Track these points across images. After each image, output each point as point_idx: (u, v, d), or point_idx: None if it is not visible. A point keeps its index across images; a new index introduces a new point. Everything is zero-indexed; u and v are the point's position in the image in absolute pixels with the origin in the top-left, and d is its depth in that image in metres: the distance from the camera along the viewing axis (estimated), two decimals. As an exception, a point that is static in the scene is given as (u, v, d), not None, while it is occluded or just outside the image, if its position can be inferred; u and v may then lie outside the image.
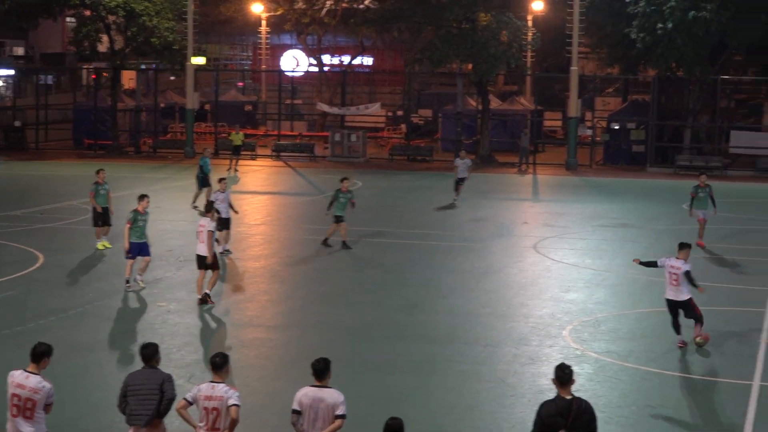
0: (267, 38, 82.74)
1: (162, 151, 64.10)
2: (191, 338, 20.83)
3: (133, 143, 66.23)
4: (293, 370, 18.61)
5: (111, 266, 27.91)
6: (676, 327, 20.34)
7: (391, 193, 46.54)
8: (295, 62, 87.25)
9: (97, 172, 31.62)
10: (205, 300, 23.58)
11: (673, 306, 20.21)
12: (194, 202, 38.51)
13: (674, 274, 20.02)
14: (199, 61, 66.35)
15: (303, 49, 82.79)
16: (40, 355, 12.36)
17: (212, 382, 12.11)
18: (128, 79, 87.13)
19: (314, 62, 79.26)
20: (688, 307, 20.11)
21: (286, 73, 79.84)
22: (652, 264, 20.91)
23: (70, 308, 23.12)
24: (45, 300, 23.92)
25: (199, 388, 12.14)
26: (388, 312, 23.34)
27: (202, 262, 23.77)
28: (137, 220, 25.36)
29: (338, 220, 31.34)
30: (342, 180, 31.87)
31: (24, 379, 12.16)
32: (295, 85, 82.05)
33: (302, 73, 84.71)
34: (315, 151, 62.87)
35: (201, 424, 12.02)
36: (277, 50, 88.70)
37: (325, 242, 31.42)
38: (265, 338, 21.15)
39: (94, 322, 22.06)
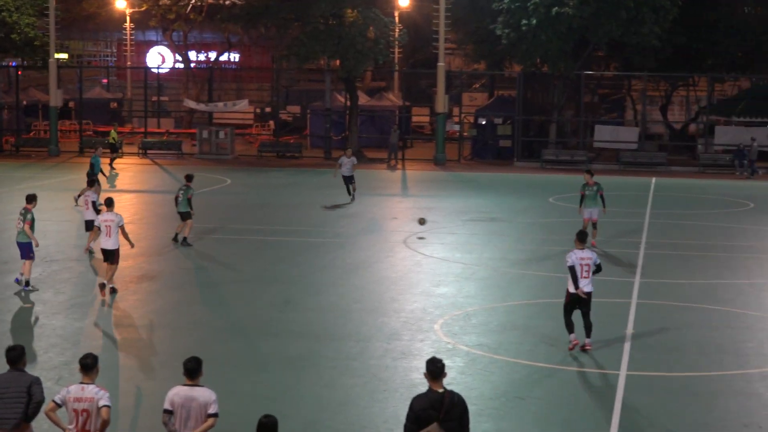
0: (132, 35, 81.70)
1: (25, 150, 62.96)
2: (58, 340, 20.45)
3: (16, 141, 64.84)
4: (164, 369, 18.43)
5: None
6: (570, 325, 19.83)
7: (260, 190, 46.37)
8: (160, 59, 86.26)
9: None
10: (113, 290, 24.29)
11: (579, 301, 19.58)
12: (78, 197, 37.12)
13: (586, 265, 19.52)
14: (62, 57, 65.14)
15: (169, 46, 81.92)
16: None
17: (82, 383, 11.93)
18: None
19: (180, 59, 78.51)
20: (589, 302, 19.64)
21: (151, 70, 78.89)
22: (573, 270, 19.58)
23: None
24: None
25: (68, 389, 11.94)
26: (260, 309, 23.26)
27: (108, 256, 24.17)
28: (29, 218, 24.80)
29: (185, 217, 31.26)
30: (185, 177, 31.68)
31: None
32: (162, 81, 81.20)
33: (168, 70, 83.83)
34: (183, 148, 62.34)
35: (71, 427, 11.84)
36: (143, 47, 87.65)
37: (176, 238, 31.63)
38: (135, 338, 20.89)
39: (-43, 325, 21.53)
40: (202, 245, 31.27)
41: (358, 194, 42.37)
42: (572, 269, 19.51)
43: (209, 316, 22.67)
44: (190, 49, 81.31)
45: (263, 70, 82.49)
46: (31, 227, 24.79)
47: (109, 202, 24.90)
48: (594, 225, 31.61)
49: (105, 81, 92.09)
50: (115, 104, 79.98)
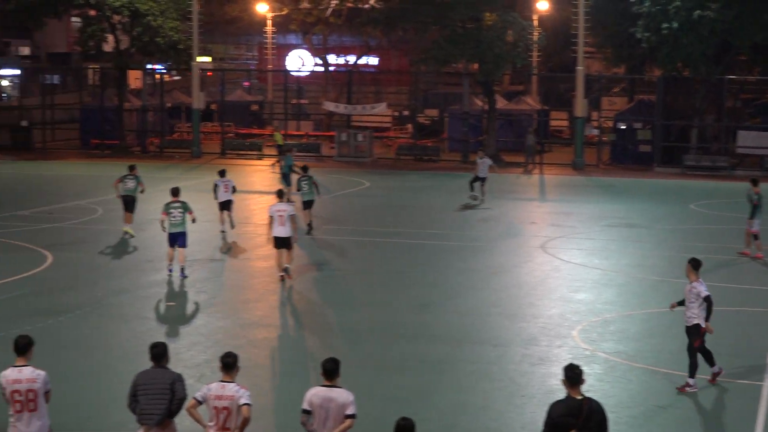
0: (272, 38, 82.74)
1: (169, 151, 64.21)
2: (200, 338, 20.83)
3: (140, 143, 66.30)
4: (303, 370, 18.62)
5: (119, 265, 27.96)
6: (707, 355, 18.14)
7: (398, 193, 46.51)
8: (300, 62, 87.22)
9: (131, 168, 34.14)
10: (284, 276, 25.96)
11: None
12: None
13: (694, 297, 17.79)
14: (205, 60, 66.34)
15: (308, 49, 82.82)
16: (25, 347, 12.46)
17: (222, 381, 12.11)
18: (134, 78, 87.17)
19: (320, 62, 79.25)
20: (693, 336, 17.88)
21: (291, 73, 79.78)
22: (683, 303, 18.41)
23: (78, 307, 23.14)
24: (54, 299, 23.95)
25: (209, 387, 12.14)
26: (398, 312, 23.33)
27: (281, 243, 25.99)
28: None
29: (310, 205, 34.14)
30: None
31: (17, 374, 12.24)
32: (301, 84, 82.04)
33: (308, 73, 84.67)
34: (321, 150, 62.87)
35: (211, 424, 12.03)
36: (283, 50, 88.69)
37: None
38: (274, 338, 21.16)
39: (103, 321, 22.09)
40: (340, 247, 31.53)
41: (495, 198, 42.24)
42: (710, 301, 17.65)
43: (347, 318, 22.82)
44: (330, 53, 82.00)
45: (401, 74, 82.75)
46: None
47: (280, 194, 27.40)
48: (756, 236, 30.74)
49: (246, 84, 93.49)
50: (256, 107, 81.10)
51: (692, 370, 17.73)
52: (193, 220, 27.27)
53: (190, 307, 23.48)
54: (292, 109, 73.88)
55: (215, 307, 23.50)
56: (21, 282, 25.80)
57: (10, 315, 22.46)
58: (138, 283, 25.97)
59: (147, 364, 12.67)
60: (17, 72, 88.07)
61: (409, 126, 72.26)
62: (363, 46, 78.75)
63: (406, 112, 77.58)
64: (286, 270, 26.21)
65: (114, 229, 34.12)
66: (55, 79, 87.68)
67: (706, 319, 17.74)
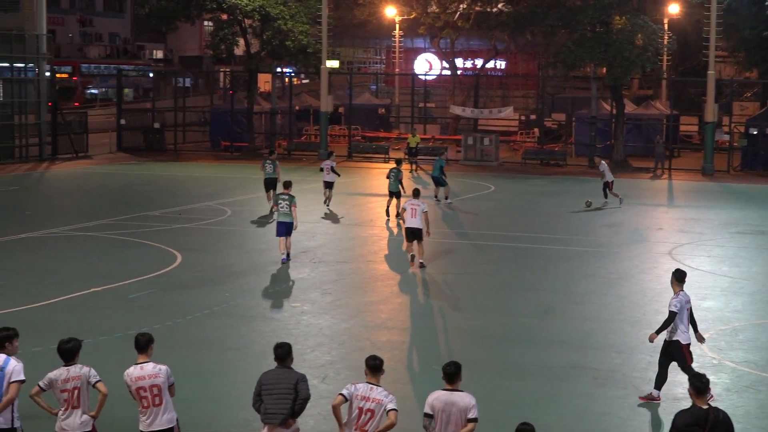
0: (400, 42, 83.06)
1: (296, 154, 64.89)
2: (324, 339, 20.99)
3: (269, 145, 67.08)
4: (425, 373, 18.64)
5: (247, 265, 28.35)
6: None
7: (524, 197, 46.27)
8: (428, 65, 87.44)
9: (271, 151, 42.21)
10: (422, 265, 28.21)
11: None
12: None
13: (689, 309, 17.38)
14: (333, 64, 66.90)
15: (436, 53, 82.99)
16: (145, 345, 12.74)
17: (369, 383, 12.14)
18: (264, 81, 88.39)
19: (447, 66, 79.31)
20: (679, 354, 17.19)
21: (419, 77, 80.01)
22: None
23: (206, 307, 23.52)
24: (181, 299, 24.38)
25: (355, 386, 12.16)
26: (520, 317, 23.21)
27: (412, 234, 28.28)
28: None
29: (397, 195, 37.44)
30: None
31: (140, 371, 12.51)
32: (428, 88, 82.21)
33: (435, 77, 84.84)
34: (448, 154, 62.90)
35: (350, 422, 12.08)
36: (410, 53, 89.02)
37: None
38: (398, 341, 21.22)
39: (229, 321, 22.41)
40: (461, 251, 31.48)
41: (623, 203, 41.81)
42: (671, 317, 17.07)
43: (468, 322, 22.78)
44: (457, 57, 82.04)
45: (529, 77, 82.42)
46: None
47: (417, 193, 29.53)
48: None
49: (374, 87, 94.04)
50: (383, 110, 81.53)
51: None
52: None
53: (315, 308, 23.69)
54: (419, 113, 74.06)
55: (340, 309, 23.66)
56: (151, 281, 26.34)
57: (139, 313, 22.94)
58: (263, 284, 26.31)
59: (272, 364, 12.81)
60: (150, 75, 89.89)
61: (536, 130, 71.85)
62: (490, 50, 78.61)
63: (532, 116, 77.18)
64: (421, 264, 28.29)
65: (241, 230, 34.65)
66: (187, 81, 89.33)
67: (657, 331, 17.18)
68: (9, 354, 12.39)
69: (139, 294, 24.81)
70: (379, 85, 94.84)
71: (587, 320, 22.85)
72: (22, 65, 61.20)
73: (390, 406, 11.94)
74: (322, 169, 40.20)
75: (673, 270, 17.78)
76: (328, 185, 39.82)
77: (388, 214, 37.84)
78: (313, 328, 21.92)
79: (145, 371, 12.49)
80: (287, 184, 29.78)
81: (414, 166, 55.95)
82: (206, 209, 39.51)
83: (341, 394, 12.16)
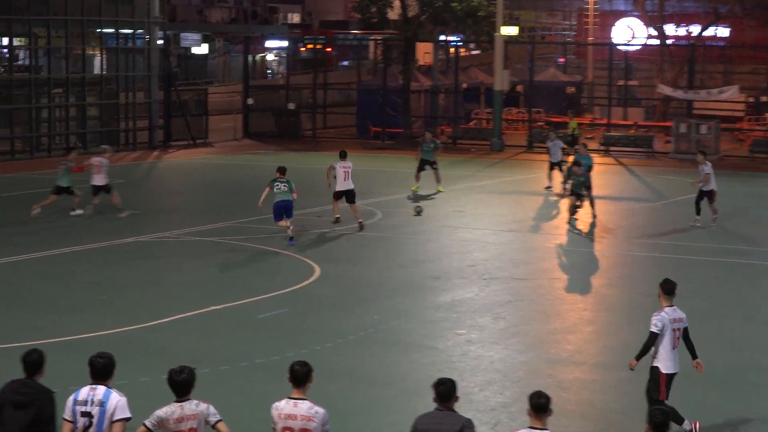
0: (595, 3, 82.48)
1: (463, 143, 64.86)
2: (496, 375, 20.98)
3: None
4: (625, 419, 18.48)
5: (401, 281, 28.49)
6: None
7: (753, 200, 45.45)
8: (629, 33, 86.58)
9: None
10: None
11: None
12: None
13: (678, 329, 17.36)
14: (511, 31, 66.62)
15: (640, 17, 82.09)
16: (305, 377, 12.63)
17: (532, 428, 12.14)
18: (423, 53, 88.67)
19: (654, 33, 78.44)
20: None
21: (618, 47, 79.23)
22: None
23: (350, 332, 23.71)
24: (320, 321, 24.61)
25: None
26: (750, 352, 22.81)
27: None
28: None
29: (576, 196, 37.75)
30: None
31: (292, 408, 12.49)
32: (630, 62, 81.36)
33: (638, 47, 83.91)
34: (654, 145, 62.18)
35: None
36: (608, 18, 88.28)
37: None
38: (588, 379, 21.08)
39: (378, 349, 22.55)
40: (667, 266, 31.08)
41: None
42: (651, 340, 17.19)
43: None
44: (667, 22, 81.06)
45: (759, 49, 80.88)
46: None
47: (344, 155, 34.41)
48: None
49: (561, 60, 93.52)
50: (573, 89, 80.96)
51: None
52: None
53: (484, 337, 23.68)
54: (618, 93, 73.36)
55: (516, 338, 23.60)
56: (285, 298, 26.66)
57: (269, 337, 23.26)
58: (422, 305, 26.40)
59: (430, 405, 12.84)
60: (285, 44, 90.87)
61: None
62: (709, 14, 77.48)
63: (763, 98, 75.77)
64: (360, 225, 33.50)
65: (395, 237, 34.85)
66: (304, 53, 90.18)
67: (637, 356, 17.37)
68: (109, 386, 12.59)
69: (269, 314, 25.16)
70: (568, 57, 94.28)
71: (833, 359, 22.36)
72: (129, 31, 62.60)
73: None
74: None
75: (661, 281, 17.67)
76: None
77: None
78: (483, 361, 21.91)
79: (299, 410, 12.44)
80: (282, 170, 33.84)
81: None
82: (351, 211, 39.81)
83: None
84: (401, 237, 34.98)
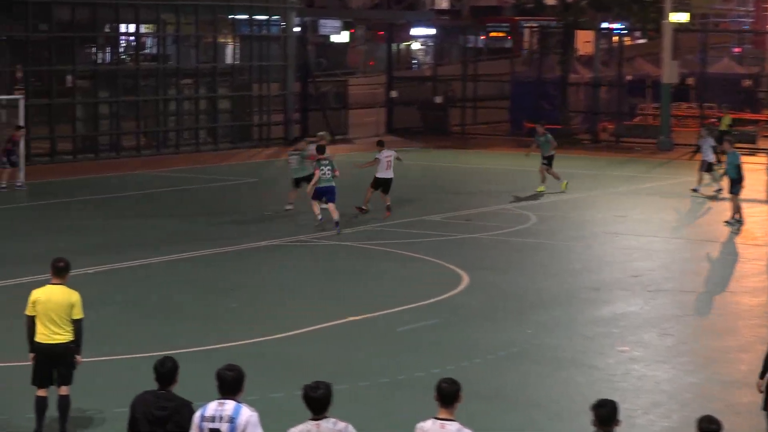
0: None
1: (627, 141, 64.25)
2: (662, 397, 20.76)
3: (589, 129, 66.67)
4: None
5: (557, 292, 28.34)
6: None
7: None
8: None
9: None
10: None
11: None
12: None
13: None
14: (681, 18, 66.02)
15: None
16: (452, 396, 12.65)
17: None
18: (583, 42, 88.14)
19: None
20: None
21: (801, 36, 78.00)
22: None
23: (501, 347, 23.60)
24: (468, 335, 24.53)
25: None
26: None
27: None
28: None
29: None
30: None
31: (439, 430, 12.44)
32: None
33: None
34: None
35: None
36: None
37: None
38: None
39: (532, 367, 22.41)
40: None
41: None
42: None
43: None
44: None
45: None
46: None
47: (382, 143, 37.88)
48: None
49: (737, 50, 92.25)
50: (749, 82, 79.81)
51: None
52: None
53: (649, 354, 23.46)
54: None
55: (684, 357, 23.36)
56: (430, 308, 26.62)
57: (416, 351, 23.21)
58: (579, 319, 26.25)
59: (587, 428, 12.74)
60: (432, 32, 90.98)
61: None
62: None
63: None
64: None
65: (550, 243, 34.72)
66: (480, 41, 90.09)
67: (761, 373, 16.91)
68: (239, 401, 12.62)
69: (412, 326, 25.16)
70: (745, 47, 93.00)
71: None
72: (264, 18, 63.07)
73: None
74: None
75: None
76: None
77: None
78: (647, 381, 21.71)
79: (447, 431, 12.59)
80: (322, 149, 36.09)
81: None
82: (502, 214, 39.76)
83: None
84: (556, 243, 34.81)
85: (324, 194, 35.39)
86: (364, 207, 38.27)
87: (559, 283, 29.55)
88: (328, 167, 35.37)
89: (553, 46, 72.18)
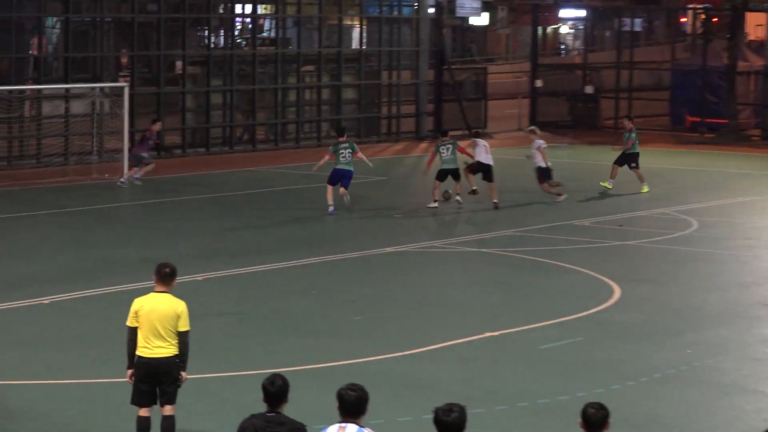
0: None
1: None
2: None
3: (760, 124, 65.86)
4: None
5: (722, 307, 28.07)
6: None
7: None
8: None
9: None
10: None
11: None
12: None
13: None
14: None
15: None
16: (599, 423, 12.57)
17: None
18: (755, 25, 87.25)
19: None
20: None
21: None
22: None
23: (657, 369, 23.40)
24: (620, 353, 24.39)
25: None
26: None
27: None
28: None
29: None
30: None
31: None
32: None
33: None
34: None
35: None
36: None
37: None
38: None
39: (691, 392, 22.25)
40: None
41: None
42: None
43: None
44: None
45: None
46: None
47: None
48: None
49: None
50: None
51: None
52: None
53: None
54: None
55: None
56: (576, 324, 26.47)
57: (560, 372, 23.10)
58: (747, 339, 25.99)
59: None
60: (582, 14, 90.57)
61: None
62: None
63: None
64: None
65: (714, 252, 34.43)
66: (637, 24, 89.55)
67: None
68: (361, 424, 12.60)
69: (556, 343, 25.05)
70: None
71: None
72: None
73: None
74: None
75: None
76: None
77: None
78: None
79: None
80: (342, 131, 40.03)
81: None
82: (660, 219, 39.49)
83: None
84: (721, 253, 34.46)
85: (341, 178, 38.47)
86: (473, 188, 41.20)
87: (723, 297, 29.25)
88: (348, 150, 38.69)
89: (719, 31, 71.48)
